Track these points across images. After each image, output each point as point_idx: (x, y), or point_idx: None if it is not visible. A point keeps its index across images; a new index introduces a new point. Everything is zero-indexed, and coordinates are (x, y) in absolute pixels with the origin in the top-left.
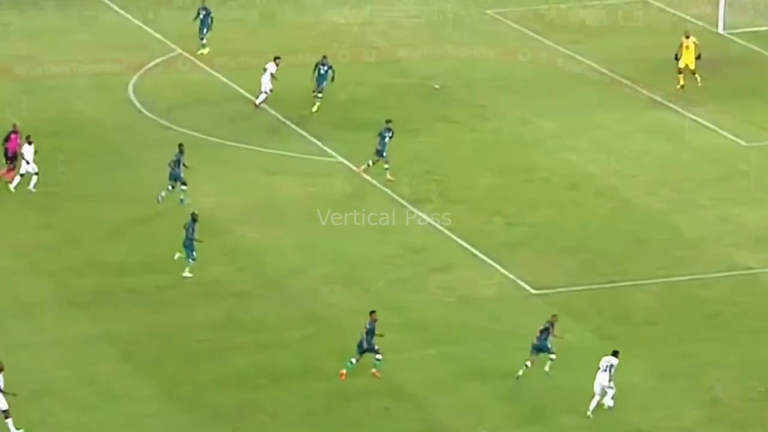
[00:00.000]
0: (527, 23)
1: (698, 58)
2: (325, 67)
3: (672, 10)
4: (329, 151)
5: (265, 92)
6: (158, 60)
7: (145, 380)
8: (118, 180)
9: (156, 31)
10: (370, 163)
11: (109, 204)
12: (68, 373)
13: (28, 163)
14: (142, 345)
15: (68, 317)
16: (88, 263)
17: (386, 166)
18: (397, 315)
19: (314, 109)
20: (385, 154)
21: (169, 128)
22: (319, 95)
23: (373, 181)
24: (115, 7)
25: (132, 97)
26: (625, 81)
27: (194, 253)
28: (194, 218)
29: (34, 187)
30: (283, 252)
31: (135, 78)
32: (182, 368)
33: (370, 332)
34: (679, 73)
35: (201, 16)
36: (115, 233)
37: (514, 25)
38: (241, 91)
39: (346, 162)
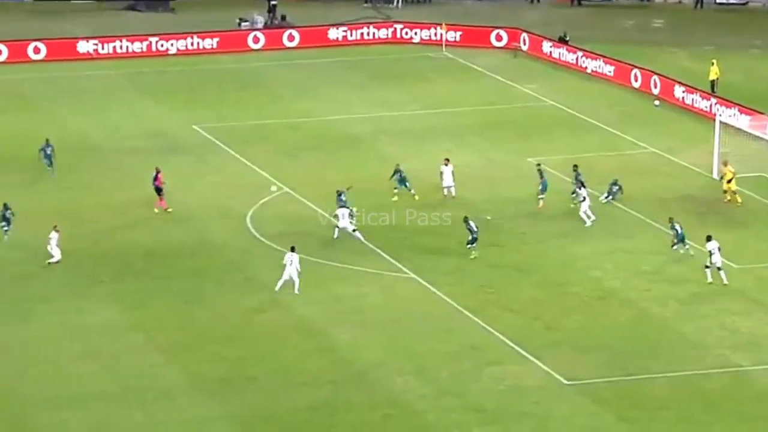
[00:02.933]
0: (561, 168)
1: (729, 181)
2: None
3: (677, 160)
4: (404, 268)
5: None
6: (269, 197)
7: None
8: (237, 290)
9: (267, 173)
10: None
11: (231, 309)
12: None
13: None
14: (257, 423)
15: (198, 401)
16: (214, 357)
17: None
18: (459, 400)
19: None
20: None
21: (278, 250)
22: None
23: (436, 291)
24: (238, 156)
25: (249, 225)
26: (638, 214)
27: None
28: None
29: None
30: (367, 349)
31: (252, 210)
32: None
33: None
34: (724, 192)
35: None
36: (236, 332)
37: (549, 170)
38: (333, 220)
39: (417, 277)
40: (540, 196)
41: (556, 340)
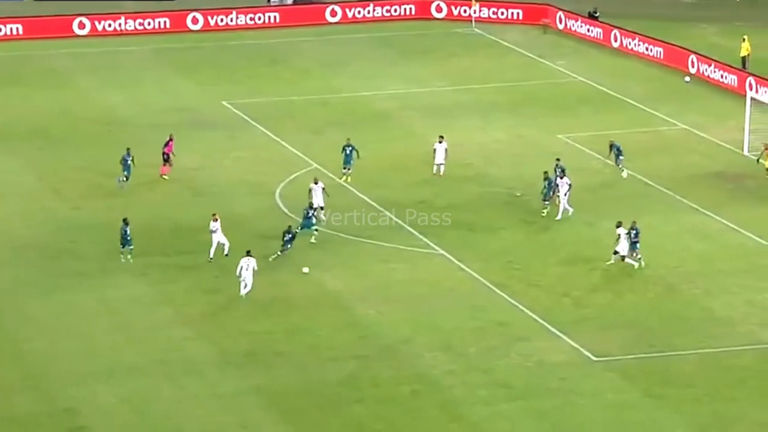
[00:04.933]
0: (590, 145)
1: None
2: (350, 148)
3: (707, 136)
4: (431, 244)
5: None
6: (298, 173)
7: (288, 425)
8: (265, 265)
9: (295, 149)
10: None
11: (258, 284)
12: (227, 419)
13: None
14: (285, 397)
15: (226, 375)
16: (241, 332)
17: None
18: (487, 376)
19: (347, 180)
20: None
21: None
22: (348, 171)
23: (464, 267)
24: (267, 131)
25: (278, 200)
26: (667, 191)
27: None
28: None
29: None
30: (395, 324)
31: (281, 186)
32: (316, 416)
33: None
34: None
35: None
36: (263, 307)
37: (578, 146)
38: (362, 196)
39: (445, 253)
40: (545, 201)
41: (584, 316)
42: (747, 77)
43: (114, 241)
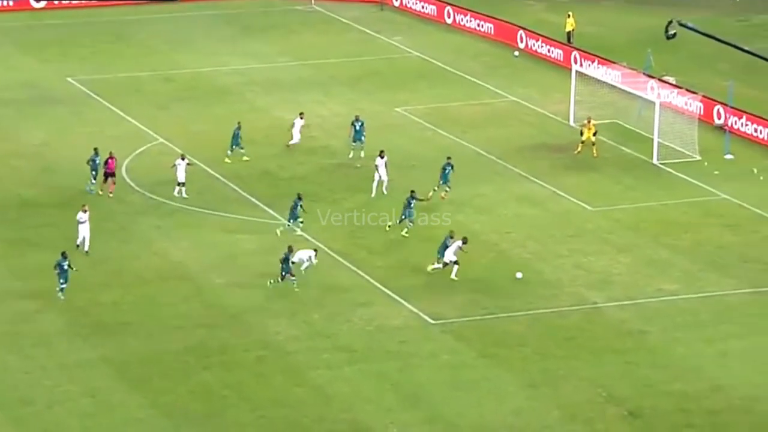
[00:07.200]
0: (427, 117)
1: (595, 134)
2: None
3: (536, 108)
4: (276, 215)
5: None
6: (144, 147)
7: (135, 393)
8: (113, 239)
9: (141, 124)
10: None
11: (107, 257)
12: (75, 388)
13: None
14: (132, 366)
15: (74, 345)
16: (90, 303)
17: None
18: (330, 341)
19: (246, 158)
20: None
21: (152, 199)
22: (242, 150)
23: (308, 236)
24: (112, 107)
25: (125, 175)
26: (499, 161)
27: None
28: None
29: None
30: (241, 293)
31: (127, 161)
32: (164, 383)
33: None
34: (582, 143)
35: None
36: (111, 279)
37: (415, 119)
38: (206, 168)
39: (289, 223)
40: (446, 188)
41: (422, 282)
42: (572, 51)
43: None
